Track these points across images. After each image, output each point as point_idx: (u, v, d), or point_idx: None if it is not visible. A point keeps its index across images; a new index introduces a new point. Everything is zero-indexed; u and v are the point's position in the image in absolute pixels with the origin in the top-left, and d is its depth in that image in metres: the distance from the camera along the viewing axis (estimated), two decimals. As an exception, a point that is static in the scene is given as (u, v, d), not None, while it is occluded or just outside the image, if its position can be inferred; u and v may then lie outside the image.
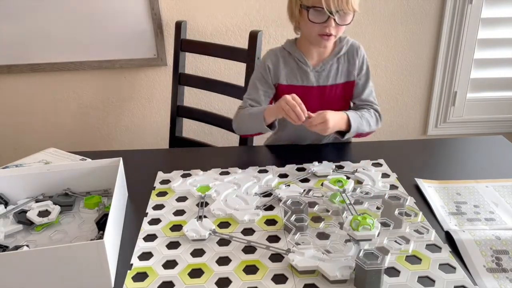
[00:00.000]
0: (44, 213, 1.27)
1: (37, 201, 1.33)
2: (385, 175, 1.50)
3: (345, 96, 1.73)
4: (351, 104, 1.79)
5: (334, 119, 1.52)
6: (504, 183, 1.43)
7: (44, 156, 1.61)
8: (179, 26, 2.30)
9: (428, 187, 1.42)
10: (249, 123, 1.68)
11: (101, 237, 1.11)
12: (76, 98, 2.63)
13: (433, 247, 1.16)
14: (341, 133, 1.62)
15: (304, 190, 1.39)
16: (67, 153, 1.63)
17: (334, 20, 1.52)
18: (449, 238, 1.18)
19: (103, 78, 2.57)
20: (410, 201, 1.30)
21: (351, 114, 1.60)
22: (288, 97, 1.49)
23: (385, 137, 2.78)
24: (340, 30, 1.58)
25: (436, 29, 2.61)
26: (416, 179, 1.46)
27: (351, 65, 1.71)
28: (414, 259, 1.11)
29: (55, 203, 1.31)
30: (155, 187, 1.46)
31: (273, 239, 1.20)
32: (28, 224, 1.26)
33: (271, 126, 1.64)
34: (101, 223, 1.22)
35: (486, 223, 1.24)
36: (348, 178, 1.43)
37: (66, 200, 1.35)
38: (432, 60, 2.69)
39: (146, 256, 1.15)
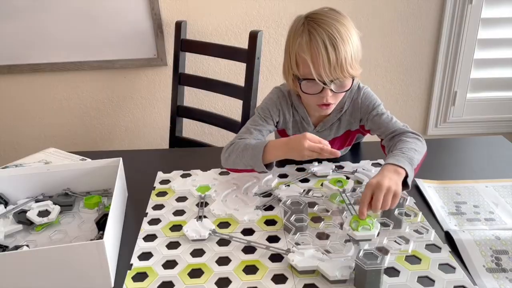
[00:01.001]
0: (44, 213, 1.28)
1: (37, 201, 1.33)
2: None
3: (344, 143, 1.64)
4: (381, 141, 1.57)
5: (388, 178, 1.19)
6: (504, 183, 1.43)
7: (44, 156, 1.61)
8: (179, 26, 2.31)
9: (428, 187, 1.42)
10: (242, 154, 1.43)
11: (101, 237, 1.11)
12: (76, 98, 2.63)
13: (432, 247, 1.16)
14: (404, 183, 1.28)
15: (304, 190, 1.40)
16: (67, 153, 1.63)
17: (331, 89, 1.36)
18: (448, 238, 1.18)
19: (103, 78, 2.57)
20: (410, 201, 1.31)
21: (394, 159, 1.29)
22: (307, 143, 1.29)
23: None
24: (340, 96, 1.44)
25: (436, 28, 2.61)
26: (416, 179, 1.45)
27: (352, 118, 1.56)
28: (413, 259, 1.12)
29: (55, 203, 1.31)
30: (155, 187, 1.47)
31: (273, 239, 1.21)
32: (28, 224, 1.26)
33: (268, 165, 1.41)
34: (101, 223, 1.22)
35: (486, 223, 1.24)
36: (347, 178, 1.43)
37: (66, 200, 1.35)
38: (432, 59, 2.69)
39: (146, 256, 1.15)
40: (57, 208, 1.30)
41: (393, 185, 1.16)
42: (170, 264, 1.13)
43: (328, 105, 1.41)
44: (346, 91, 1.41)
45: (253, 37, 2.04)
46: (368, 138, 1.77)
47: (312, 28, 1.32)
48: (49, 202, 1.31)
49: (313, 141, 1.30)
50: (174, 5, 2.43)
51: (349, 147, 1.68)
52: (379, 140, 1.55)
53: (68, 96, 2.62)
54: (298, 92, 1.46)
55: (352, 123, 1.56)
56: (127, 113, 2.69)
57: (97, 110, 2.67)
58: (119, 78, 2.58)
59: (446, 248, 1.15)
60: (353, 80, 1.38)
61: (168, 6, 2.43)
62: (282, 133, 1.63)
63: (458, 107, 2.83)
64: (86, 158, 1.55)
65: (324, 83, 1.34)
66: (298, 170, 1.55)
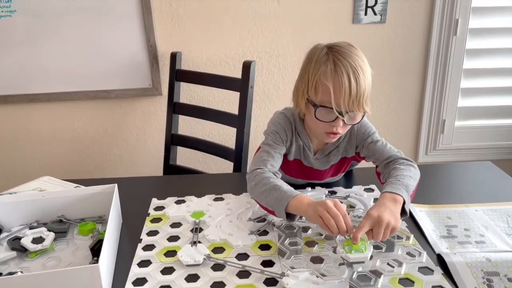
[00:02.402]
0: (38, 240, 1.27)
1: (31, 228, 1.33)
2: (377, 200, 1.46)
3: (339, 170, 1.67)
4: (376, 167, 1.60)
5: (389, 211, 1.22)
6: (493, 207, 1.46)
7: (38, 184, 1.61)
8: (174, 56, 2.35)
9: (419, 211, 1.44)
10: (269, 193, 1.38)
11: (95, 263, 1.10)
12: (72, 127, 2.65)
13: (425, 270, 1.17)
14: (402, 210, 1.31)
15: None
16: (62, 181, 1.64)
17: (343, 120, 1.39)
18: (440, 261, 1.19)
19: (98, 108, 2.59)
20: (401, 225, 1.32)
21: (391, 187, 1.32)
22: (329, 203, 1.22)
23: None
24: (347, 128, 1.47)
25: (423, 59, 2.67)
26: None
27: (349, 145, 1.59)
28: (407, 281, 1.12)
29: (49, 230, 1.31)
30: (149, 214, 1.47)
31: (268, 263, 1.21)
32: (22, 251, 1.25)
33: (290, 216, 1.35)
34: (96, 250, 1.22)
35: (477, 246, 1.25)
36: (341, 203, 1.42)
37: (60, 227, 1.35)
38: (420, 89, 2.74)
39: (140, 282, 1.15)
40: (51, 235, 1.29)
41: (393, 220, 1.18)
42: None
43: (336, 134, 1.43)
44: (356, 124, 1.45)
45: (247, 67, 2.08)
46: (361, 164, 1.79)
47: (337, 59, 1.35)
48: (43, 229, 1.31)
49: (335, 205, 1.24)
50: (170, 37, 2.48)
51: (343, 174, 1.70)
52: (373, 166, 1.57)
53: (63, 126, 2.63)
54: (308, 116, 1.47)
55: (348, 150, 1.59)
56: (121, 142, 2.70)
57: (92, 139, 2.68)
58: (115, 107, 2.60)
59: (438, 271, 1.15)
60: (364, 115, 1.41)
61: (164, 37, 2.47)
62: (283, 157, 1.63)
63: (447, 135, 2.87)
64: (80, 186, 1.55)
65: (340, 113, 1.36)
66: None
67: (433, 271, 1.16)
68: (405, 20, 2.56)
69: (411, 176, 1.38)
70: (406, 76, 2.67)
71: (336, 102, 1.34)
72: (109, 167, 2.76)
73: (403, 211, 1.26)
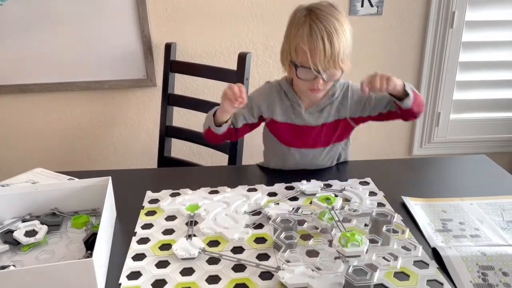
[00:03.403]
0: (31, 233, 1.27)
1: (23, 221, 1.32)
2: (372, 193, 1.52)
3: (335, 132, 1.73)
4: (376, 114, 1.70)
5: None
6: (488, 200, 1.46)
7: (31, 176, 1.61)
8: (168, 47, 2.33)
9: (415, 205, 1.44)
10: (204, 124, 1.72)
11: (89, 256, 1.11)
12: (65, 119, 2.64)
13: (420, 264, 1.18)
14: (400, 98, 1.56)
15: (293, 208, 1.40)
16: (55, 173, 1.64)
17: (323, 78, 1.53)
18: (436, 255, 1.20)
19: (92, 99, 2.59)
20: (397, 218, 1.32)
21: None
22: (232, 84, 1.53)
23: (371, 157, 2.78)
24: (329, 85, 1.60)
25: (419, 52, 2.68)
26: (402, 197, 1.48)
27: (343, 106, 1.69)
28: (402, 275, 1.12)
29: (42, 223, 1.31)
30: (143, 206, 1.46)
31: (263, 257, 1.21)
32: (15, 244, 1.25)
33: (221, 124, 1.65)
34: (89, 243, 1.22)
35: (472, 240, 1.26)
36: (336, 196, 1.44)
37: (54, 220, 1.35)
38: (416, 81, 2.74)
39: (134, 275, 1.15)
40: (44, 228, 1.29)
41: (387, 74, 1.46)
42: (159, 284, 1.12)
43: (317, 90, 1.57)
44: (335, 81, 1.60)
45: (242, 58, 2.08)
46: (355, 157, 1.79)
47: (313, 22, 1.48)
48: (36, 222, 1.30)
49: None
50: (164, 27, 2.47)
51: (337, 144, 1.75)
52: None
53: (56, 117, 2.62)
54: (293, 76, 1.60)
55: (341, 110, 1.69)
56: (115, 134, 2.70)
57: (86, 130, 2.67)
58: (108, 99, 2.59)
59: (433, 265, 1.16)
60: (342, 72, 1.55)
61: (158, 28, 2.46)
62: (270, 124, 1.74)
63: (442, 128, 2.88)
64: (73, 178, 1.55)
65: (318, 72, 1.51)
66: (287, 188, 1.56)
67: (428, 265, 1.16)
68: (401, 12, 2.56)
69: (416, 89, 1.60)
70: (402, 68, 2.67)
71: (313, 63, 1.49)
72: (103, 159, 2.76)
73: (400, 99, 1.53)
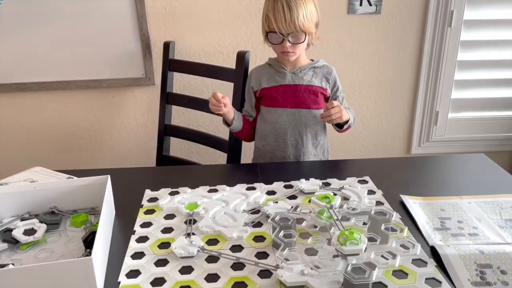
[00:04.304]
0: (30, 232, 1.27)
1: (22, 219, 1.33)
2: (371, 192, 1.53)
3: (318, 99, 1.91)
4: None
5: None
6: (486, 199, 1.47)
7: (30, 175, 1.62)
8: (167, 46, 2.34)
9: (413, 204, 1.44)
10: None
11: (88, 255, 1.11)
12: (63, 117, 2.63)
13: (419, 262, 1.18)
14: (340, 125, 1.87)
15: (291, 207, 1.41)
16: (54, 172, 1.64)
17: (289, 40, 1.77)
18: (434, 253, 1.20)
19: (90, 98, 2.58)
20: (395, 217, 1.33)
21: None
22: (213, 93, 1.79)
23: (370, 156, 2.81)
24: (298, 48, 1.82)
25: (418, 51, 2.67)
26: (401, 195, 1.48)
27: (325, 79, 1.92)
28: (400, 273, 1.13)
29: (41, 222, 1.31)
30: (142, 205, 1.47)
31: (262, 255, 1.21)
32: (14, 242, 1.25)
33: (230, 125, 1.91)
34: (88, 241, 1.22)
35: (470, 238, 1.26)
36: (335, 194, 1.45)
37: (53, 219, 1.35)
38: (414, 81, 2.74)
39: (133, 274, 1.15)
40: (43, 227, 1.29)
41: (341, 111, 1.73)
42: (158, 282, 1.12)
43: (288, 52, 1.81)
44: (301, 43, 1.80)
45: (241, 57, 2.08)
46: (354, 155, 1.79)
47: None
48: (35, 221, 1.30)
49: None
50: (162, 26, 2.46)
51: (316, 112, 1.90)
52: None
53: (55, 116, 2.62)
54: (269, 44, 1.87)
55: (314, 78, 1.91)
56: (114, 132, 2.69)
57: (84, 129, 2.67)
58: (107, 97, 2.59)
59: (432, 263, 1.16)
60: (305, 36, 1.79)
61: (157, 27, 2.46)
62: (261, 94, 1.94)
63: (440, 127, 2.88)
64: (72, 177, 1.56)
65: (283, 35, 1.76)
66: (286, 187, 1.57)
67: (426, 263, 1.16)
68: (400, 11, 2.56)
69: (353, 115, 1.92)
70: (400, 67, 2.67)
71: (277, 27, 1.75)
72: (101, 158, 2.75)
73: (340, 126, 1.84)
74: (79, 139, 2.69)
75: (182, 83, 2.54)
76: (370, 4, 2.52)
